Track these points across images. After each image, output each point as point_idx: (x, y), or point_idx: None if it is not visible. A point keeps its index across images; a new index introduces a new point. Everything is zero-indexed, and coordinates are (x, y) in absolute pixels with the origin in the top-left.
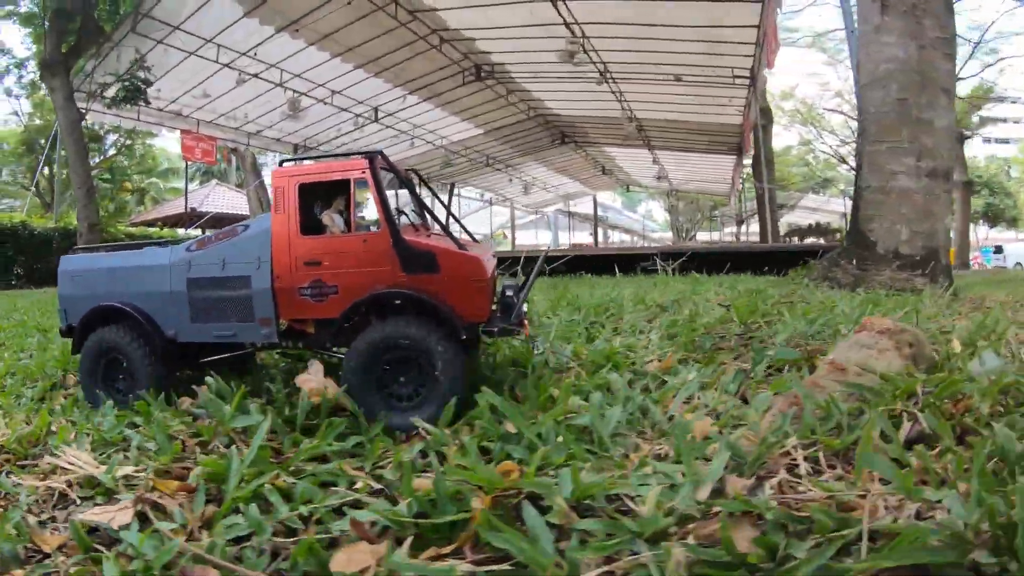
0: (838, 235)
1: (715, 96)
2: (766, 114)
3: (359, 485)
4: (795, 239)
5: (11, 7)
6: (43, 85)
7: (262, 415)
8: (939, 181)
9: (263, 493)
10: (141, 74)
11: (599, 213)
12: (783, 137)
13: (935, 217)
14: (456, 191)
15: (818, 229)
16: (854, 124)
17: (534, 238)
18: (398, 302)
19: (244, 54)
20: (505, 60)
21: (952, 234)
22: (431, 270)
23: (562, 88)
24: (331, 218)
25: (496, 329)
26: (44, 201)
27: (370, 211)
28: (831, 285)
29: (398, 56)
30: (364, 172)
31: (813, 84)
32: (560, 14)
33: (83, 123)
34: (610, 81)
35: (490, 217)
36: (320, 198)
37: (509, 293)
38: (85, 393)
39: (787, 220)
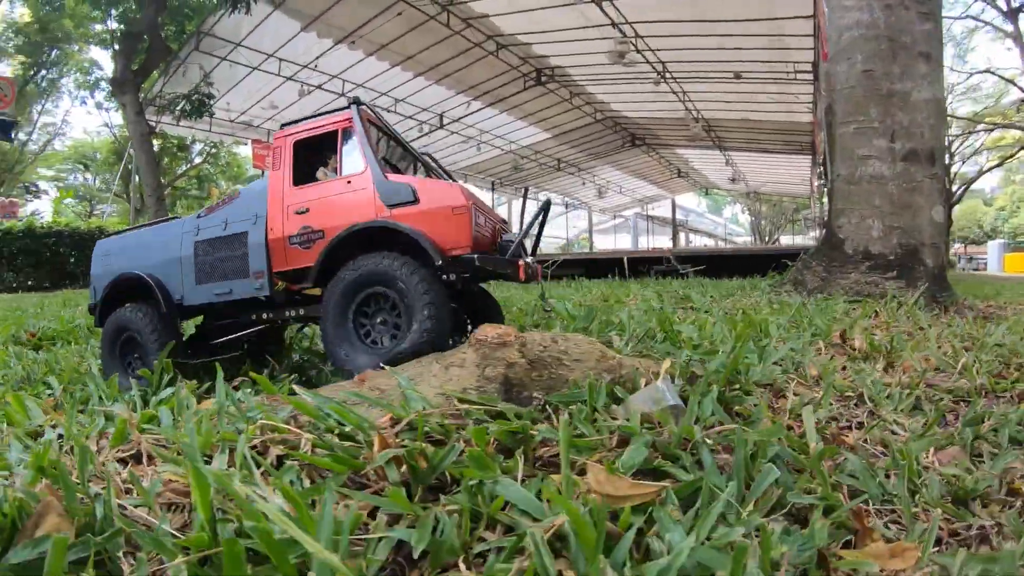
0: None
1: (781, 93)
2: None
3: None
4: None
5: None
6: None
7: None
8: (921, 165)
9: None
10: (205, 88)
11: (679, 217)
12: None
13: (916, 209)
14: (531, 195)
15: None
16: None
17: (613, 243)
18: (373, 236)
19: (306, 66)
20: (564, 63)
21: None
22: (410, 201)
23: (625, 90)
24: (325, 175)
25: (479, 260)
26: (134, 207)
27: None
28: (799, 290)
29: (457, 63)
30: (349, 121)
31: None
32: (607, 15)
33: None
34: (670, 81)
35: (566, 222)
36: (315, 154)
37: (507, 238)
38: (104, 367)
39: None
